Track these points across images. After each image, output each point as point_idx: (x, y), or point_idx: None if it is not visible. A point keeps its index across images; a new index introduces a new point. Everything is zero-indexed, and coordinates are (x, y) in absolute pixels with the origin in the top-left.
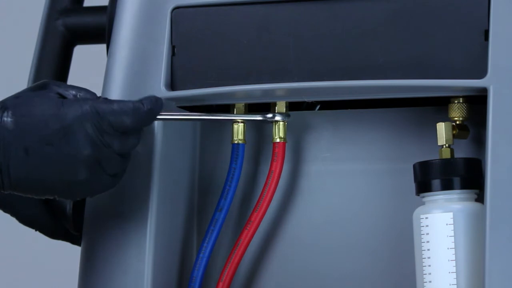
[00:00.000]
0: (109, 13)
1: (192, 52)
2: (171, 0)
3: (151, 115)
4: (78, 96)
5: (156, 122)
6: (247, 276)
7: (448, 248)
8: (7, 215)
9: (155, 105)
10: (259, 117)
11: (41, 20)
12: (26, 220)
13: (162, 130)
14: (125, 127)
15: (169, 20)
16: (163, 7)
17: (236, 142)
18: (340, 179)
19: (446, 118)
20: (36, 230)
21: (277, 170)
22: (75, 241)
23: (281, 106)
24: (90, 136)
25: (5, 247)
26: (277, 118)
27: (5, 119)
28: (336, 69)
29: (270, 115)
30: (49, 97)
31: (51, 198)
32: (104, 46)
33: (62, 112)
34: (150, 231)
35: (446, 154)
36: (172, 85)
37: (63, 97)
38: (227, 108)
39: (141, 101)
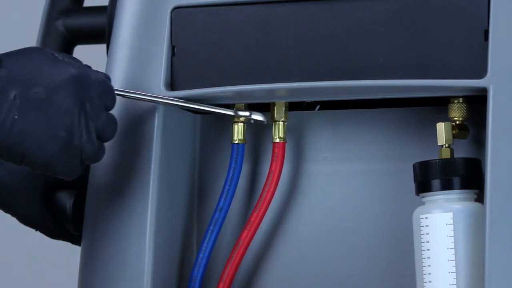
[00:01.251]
0: (109, 13)
1: (192, 52)
2: (171, 0)
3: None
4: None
5: (156, 122)
6: (248, 276)
7: (448, 248)
8: (7, 215)
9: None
10: (230, 112)
11: (41, 20)
12: (26, 220)
13: (162, 130)
14: (112, 103)
15: (169, 20)
16: (163, 7)
17: (236, 142)
18: (340, 179)
19: (446, 118)
20: (36, 230)
21: (277, 170)
22: (75, 241)
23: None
24: (82, 97)
25: (5, 247)
26: (254, 117)
27: None
28: (336, 69)
29: (245, 113)
30: (45, 54)
31: (15, 157)
32: (104, 46)
33: (58, 68)
34: (150, 231)
35: (446, 154)
36: (172, 85)
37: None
38: (227, 108)
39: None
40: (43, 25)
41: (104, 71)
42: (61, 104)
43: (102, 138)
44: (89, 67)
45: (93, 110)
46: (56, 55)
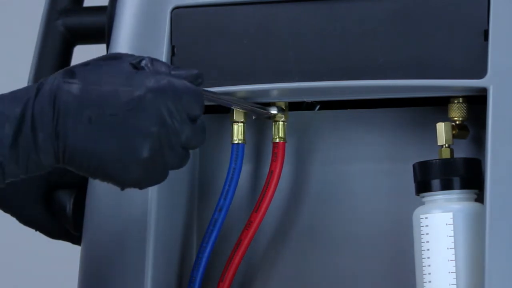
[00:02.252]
0: (109, 13)
1: (192, 52)
2: (171, 0)
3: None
4: (151, 67)
5: None
6: (248, 276)
7: (448, 248)
8: (7, 215)
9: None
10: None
11: (41, 20)
12: (26, 220)
13: None
14: (199, 111)
15: (169, 20)
16: (163, 7)
17: (236, 142)
18: (340, 179)
19: (446, 118)
20: (36, 230)
21: (277, 170)
22: (75, 241)
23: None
24: (162, 115)
25: (5, 247)
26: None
27: (71, 84)
28: (336, 69)
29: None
30: (121, 67)
31: (100, 178)
32: (104, 46)
33: (134, 84)
34: (149, 231)
35: (446, 154)
36: None
37: (136, 68)
38: (227, 108)
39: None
40: (43, 25)
41: None
42: (140, 126)
43: (189, 148)
44: (175, 68)
45: (175, 125)
46: (137, 62)
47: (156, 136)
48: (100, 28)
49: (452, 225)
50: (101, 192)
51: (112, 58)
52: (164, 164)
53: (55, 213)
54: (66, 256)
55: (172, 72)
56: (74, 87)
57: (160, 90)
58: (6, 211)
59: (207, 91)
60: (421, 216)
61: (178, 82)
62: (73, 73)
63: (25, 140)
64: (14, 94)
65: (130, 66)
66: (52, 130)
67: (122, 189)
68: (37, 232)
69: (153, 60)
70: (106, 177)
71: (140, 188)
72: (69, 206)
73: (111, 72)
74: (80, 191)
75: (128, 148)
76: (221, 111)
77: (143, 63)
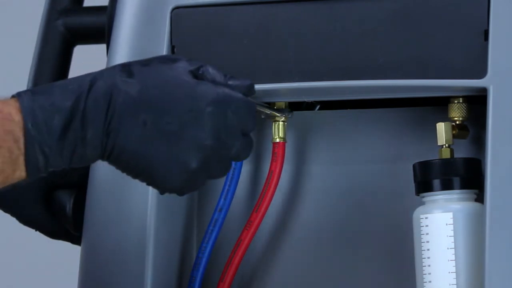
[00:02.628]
0: (109, 13)
1: (192, 52)
2: (171, 0)
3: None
4: (208, 75)
5: None
6: (248, 276)
7: (448, 248)
8: (7, 215)
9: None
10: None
11: (41, 20)
12: (26, 220)
13: None
14: (252, 126)
15: (169, 20)
16: (163, 7)
17: None
18: (339, 179)
19: (446, 118)
20: (36, 230)
21: (277, 170)
22: (75, 241)
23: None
24: (218, 129)
25: (5, 247)
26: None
27: (129, 84)
28: (336, 69)
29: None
30: (181, 74)
31: (141, 180)
32: (104, 46)
33: (194, 95)
34: (149, 231)
35: (446, 154)
36: None
37: (195, 76)
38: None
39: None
40: (43, 25)
41: None
42: (195, 138)
43: (235, 161)
44: (231, 78)
45: (229, 139)
46: (194, 68)
47: (209, 149)
48: (100, 28)
49: (452, 225)
50: (101, 192)
51: (171, 61)
52: (209, 174)
53: (55, 213)
54: (66, 256)
55: (229, 83)
56: (132, 87)
57: (220, 104)
58: (6, 211)
59: (258, 103)
60: (421, 216)
61: (236, 95)
62: (131, 72)
63: (74, 134)
64: (65, 86)
65: (190, 73)
66: (104, 128)
67: (162, 193)
68: (37, 232)
69: (209, 68)
70: (149, 181)
71: (180, 194)
72: (69, 206)
73: (172, 78)
74: (80, 191)
75: (179, 158)
76: None
77: (201, 70)
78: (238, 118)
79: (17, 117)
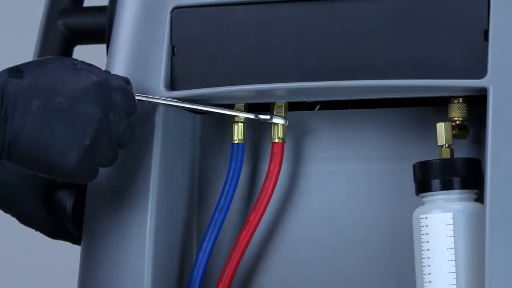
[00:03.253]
0: (109, 13)
1: (192, 52)
2: (171, 0)
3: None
4: (89, 68)
5: (155, 122)
6: (247, 276)
7: (447, 248)
8: (7, 215)
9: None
10: (251, 116)
11: (41, 20)
12: (26, 220)
13: (162, 129)
14: (133, 108)
15: (169, 20)
16: (163, 7)
17: (236, 142)
18: (339, 179)
19: (446, 118)
20: (36, 230)
21: (275, 171)
22: (75, 241)
23: (280, 110)
24: (105, 104)
25: (5, 247)
26: (275, 120)
27: (19, 78)
28: (336, 69)
29: (266, 117)
30: (65, 64)
31: (38, 170)
32: (104, 46)
33: (80, 76)
34: (149, 231)
35: (446, 154)
36: (172, 85)
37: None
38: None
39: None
40: (43, 25)
41: None
42: (85, 112)
43: (121, 144)
44: (109, 72)
45: (116, 117)
46: (76, 63)
47: (99, 123)
48: (100, 28)
49: (452, 225)
50: (101, 192)
51: (52, 59)
52: (99, 158)
53: (55, 213)
54: (66, 256)
55: (108, 74)
56: (23, 79)
57: (104, 83)
58: (6, 211)
59: (139, 94)
60: (421, 216)
61: (116, 80)
62: (18, 69)
63: None
64: None
65: (72, 64)
66: (0, 118)
67: (59, 181)
68: (37, 232)
69: (89, 64)
70: (46, 165)
71: (74, 181)
72: (69, 206)
73: (56, 67)
74: (80, 190)
75: (73, 134)
76: None
77: (80, 65)
78: (121, 99)
79: None
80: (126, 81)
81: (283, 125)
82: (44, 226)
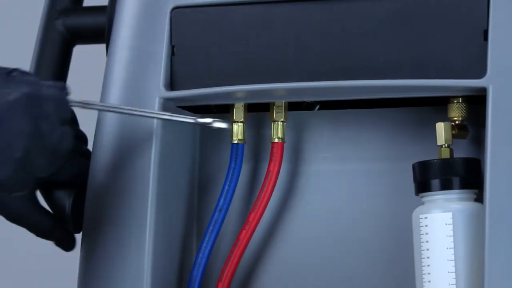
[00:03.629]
0: (109, 13)
1: (192, 52)
2: (170, 0)
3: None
4: (22, 77)
5: (155, 122)
6: (247, 276)
7: (447, 248)
8: None
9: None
10: (190, 120)
11: (41, 20)
12: (13, 218)
13: (162, 129)
14: (66, 114)
15: (168, 20)
16: (162, 7)
17: (235, 142)
18: (339, 179)
19: (445, 118)
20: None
21: (275, 170)
22: (64, 244)
23: (279, 110)
24: (35, 116)
25: (5, 247)
26: (216, 125)
27: None
28: (336, 69)
29: (207, 121)
30: None
31: None
32: (104, 46)
33: (10, 87)
34: (149, 231)
35: (446, 154)
36: (171, 85)
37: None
38: (227, 108)
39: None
40: (42, 25)
41: (104, 71)
42: (14, 124)
43: (58, 153)
44: (45, 82)
45: (47, 126)
46: (8, 72)
47: (30, 135)
48: (100, 28)
49: (451, 225)
50: (100, 191)
51: None
52: (34, 167)
53: (55, 212)
54: (66, 256)
55: (42, 82)
56: None
57: (34, 94)
58: None
59: (75, 100)
60: (421, 216)
61: (48, 89)
62: None
63: None
64: None
65: (4, 73)
66: None
67: None
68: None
69: (23, 72)
70: None
71: (9, 193)
72: (68, 205)
73: None
74: (79, 190)
75: (3, 147)
76: (220, 111)
77: (14, 73)
78: (52, 107)
79: None
80: (61, 87)
81: (283, 125)
82: (32, 225)
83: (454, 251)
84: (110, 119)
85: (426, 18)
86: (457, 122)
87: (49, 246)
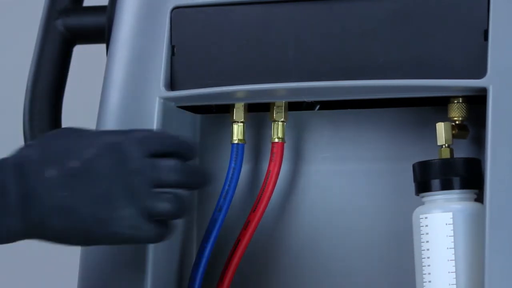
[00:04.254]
0: (109, 13)
1: (192, 52)
2: (170, 0)
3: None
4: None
5: (155, 122)
6: (247, 276)
7: (447, 248)
8: None
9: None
10: None
11: (40, 20)
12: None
13: (161, 129)
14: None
15: (168, 20)
16: (162, 7)
17: (235, 142)
18: (339, 179)
19: (445, 118)
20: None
21: (275, 170)
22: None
23: (279, 110)
24: (117, 161)
25: (5, 246)
26: None
27: (30, 149)
28: (336, 69)
29: None
30: (74, 130)
31: (93, 243)
32: (104, 46)
33: (89, 139)
34: None
35: (446, 154)
36: (171, 85)
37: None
38: (227, 108)
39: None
40: (42, 25)
41: (104, 71)
42: (101, 170)
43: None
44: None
45: (134, 164)
46: (85, 129)
47: (120, 176)
48: (100, 28)
49: (452, 225)
50: None
51: (65, 129)
52: (144, 204)
53: None
54: (66, 256)
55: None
56: (34, 152)
57: (117, 141)
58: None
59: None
60: (421, 216)
61: (129, 137)
62: (31, 143)
63: None
64: None
65: (80, 130)
66: (20, 194)
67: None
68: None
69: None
70: (89, 238)
71: (138, 242)
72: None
73: (66, 135)
74: None
75: (94, 194)
76: (220, 111)
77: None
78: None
79: None
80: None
81: (283, 125)
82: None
83: (454, 251)
84: (110, 119)
85: (426, 18)
86: (457, 122)
87: (49, 245)
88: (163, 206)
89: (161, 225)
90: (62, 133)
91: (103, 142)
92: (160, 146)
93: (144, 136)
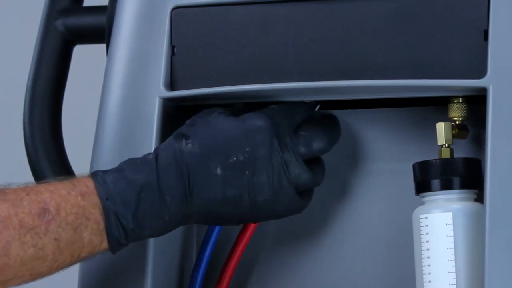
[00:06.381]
0: (109, 13)
1: (192, 52)
2: (170, 0)
3: None
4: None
5: (155, 122)
6: (246, 276)
7: (447, 248)
8: None
9: None
10: None
11: (40, 20)
12: None
13: (162, 130)
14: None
15: (168, 20)
16: (162, 7)
17: None
18: (339, 178)
19: (445, 118)
20: None
21: None
22: None
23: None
24: (275, 144)
25: None
26: None
27: (188, 144)
28: (336, 69)
29: None
30: (224, 117)
31: (235, 223)
32: (104, 46)
33: (244, 125)
34: None
35: (446, 154)
36: (171, 85)
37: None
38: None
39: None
40: (42, 25)
41: (104, 71)
42: (263, 159)
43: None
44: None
45: (292, 142)
46: (228, 113)
47: (278, 161)
48: (100, 28)
49: (452, 225)
50: None
51: (211, 115)
52: (292, 183)
53: None
54: None
55: None
56: (192, 146)
57: (270, 124)
58: None
59: None
60: (421, 216)
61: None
62: (184, 135)
63: (150, 205)
64: (133, 165)
65: (226, 114)
66: (184, 190)
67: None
68: None
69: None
70: (242, 217)
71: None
72: None
73: (219, 123)
74: None
75: (257, 181)
76: None
77: (233, 111)
78: (289, 124)
79: (95, 191)
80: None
81: None
82: None
83: (455, 251)
84: (110, 119)
85: (426, 18)
86: (457, 122)
87: None
88: (311, 178)
89: (307, 196)
90: (211, 122)
91: (257, 127)
92: (300, 117)
93: (287, 109)
